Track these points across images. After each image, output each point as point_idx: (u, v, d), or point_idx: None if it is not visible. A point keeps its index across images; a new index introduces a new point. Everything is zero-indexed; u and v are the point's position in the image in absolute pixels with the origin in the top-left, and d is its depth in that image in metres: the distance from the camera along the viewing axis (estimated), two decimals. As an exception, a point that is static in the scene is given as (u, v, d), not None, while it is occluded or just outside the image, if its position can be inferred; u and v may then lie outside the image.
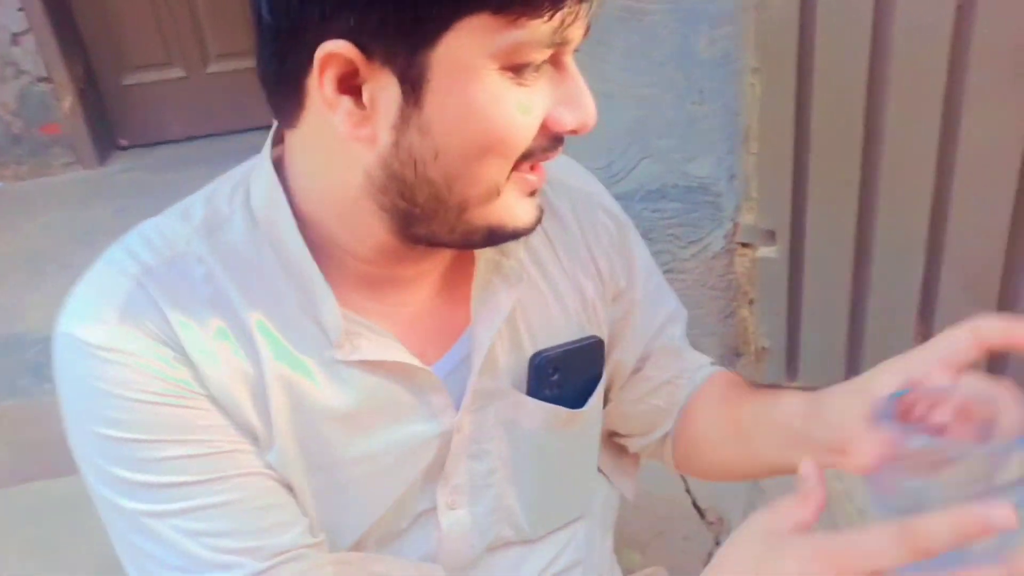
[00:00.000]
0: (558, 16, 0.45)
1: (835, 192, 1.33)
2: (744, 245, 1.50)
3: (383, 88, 0.46)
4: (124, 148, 3.07)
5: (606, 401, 0.71)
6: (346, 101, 0.47)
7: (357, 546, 0.59)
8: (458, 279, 0.60)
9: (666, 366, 0.71)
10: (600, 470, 0.74)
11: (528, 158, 0.50)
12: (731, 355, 1.60)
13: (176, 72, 2.99)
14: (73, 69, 2.81)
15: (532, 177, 0.52)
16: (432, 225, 0.52)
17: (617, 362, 0.69)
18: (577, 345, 0.64)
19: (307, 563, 0.55)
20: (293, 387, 0.54)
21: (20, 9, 2.68)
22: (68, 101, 2.82)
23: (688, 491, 1.31)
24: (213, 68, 2.98)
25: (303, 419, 0.55)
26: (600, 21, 1.49)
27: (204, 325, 0.52)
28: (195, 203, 0.57)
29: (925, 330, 1.36)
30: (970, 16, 1.14)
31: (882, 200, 1.30)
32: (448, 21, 0.44)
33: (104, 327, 0.52)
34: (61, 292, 0.61)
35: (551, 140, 0.51)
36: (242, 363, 0.53)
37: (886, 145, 1.26)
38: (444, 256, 0.59)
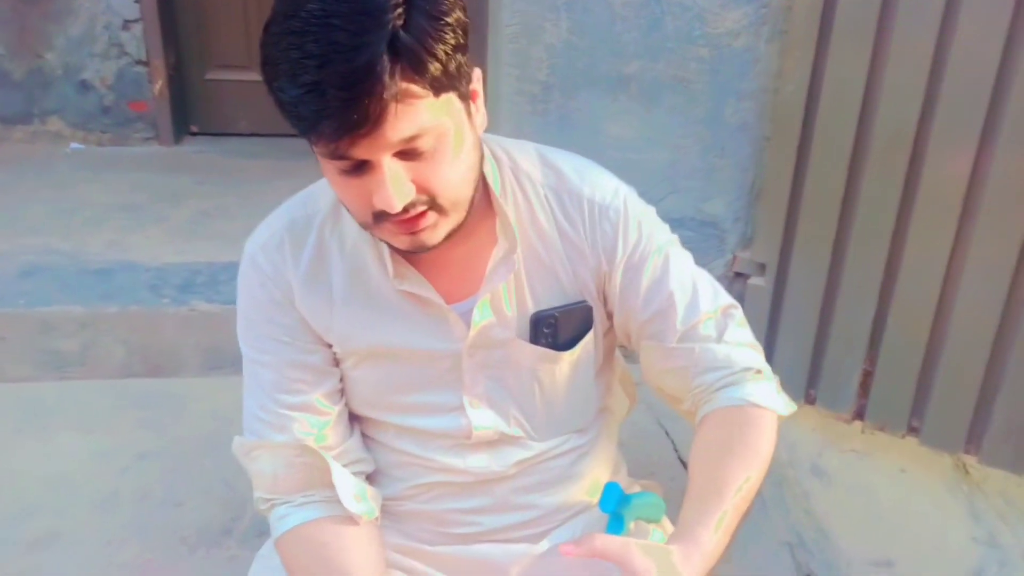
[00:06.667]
0: (323, 147, 0.68)
1: (816, 240, 1.71)
2: (737, 275, 1.87)
3: None
4: (194, 134, 3.41)
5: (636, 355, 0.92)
6: None
7: (393, 408, 0.89)
8: (484, 250, 0.84)
9: (661, 356, 0.87)
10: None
11: (383, 218, 0.72)
12: (717, 364, 1.95)
13: (253, 75, 3.35)
14: (167, 58, 3.17)
15: (391, 227, 0.74)
16: None
17: (620, 319, 0.90)
18: (566, 308, 0.87)
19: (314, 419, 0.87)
20: (357, 298, 0.84)
21: (136, 1, 3.05)
22: (158, 85, 3.17)
23: (675, 449, 1.65)
24: (287, 78, 3.35)
25: (360, 315, 0.85)
26: (654, 84, 1.91)
27: (305, 266, 0.84)
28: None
29: (872, 356, 1.73)
30: (931, 116, 1.54)
31: (851, 250, 1.68)
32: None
33: (256, 246, 0.87)
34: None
35: (384, 212, 0.71)
36: (322, 289, 0.84)
37: (859, 208, 1.65)
38: (457, 236, 0.78)
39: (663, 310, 0.86)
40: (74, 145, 3.21)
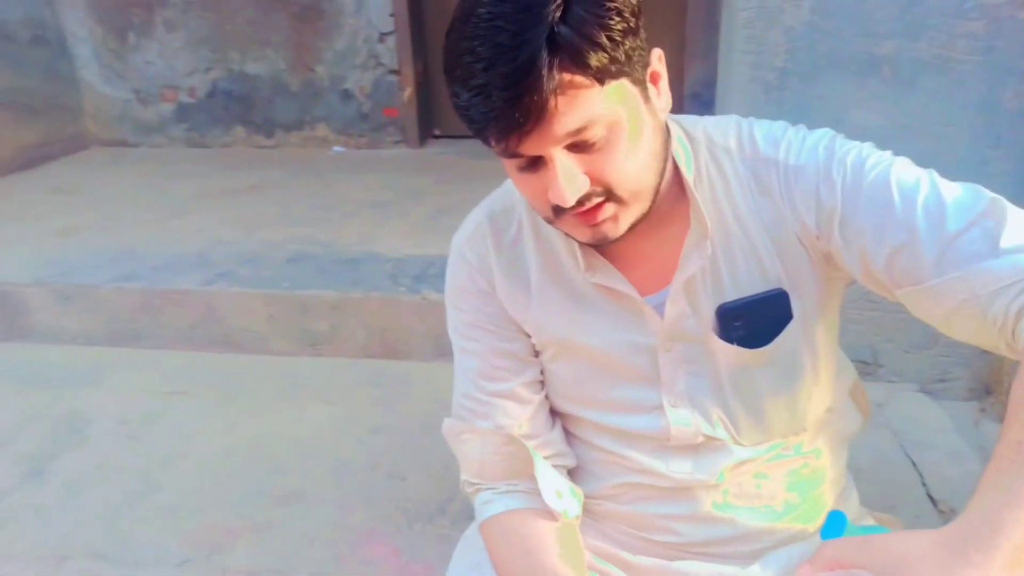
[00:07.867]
0: (496, 147, 0.69)
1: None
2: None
3: None
4: (436, 136, 3.67)
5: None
6: None
7: (590, 403, 0.87)
8: (679, 238, 0.80)
9: (931, 301, 0.70)
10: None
11: (562, 211, 0.72)
12: (982, 390, 1.69)
13: (491, 80, 3.53)
14: (416, 67, 3.44)
15: (571, 219, 0.73)
16: None
17: (863, 273, 0.76)
18: (758, 297, 0.79)
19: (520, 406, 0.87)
20: (552, 289, 0.84)
21: (391, 15, 3.35)
22: (407, 92, 3.45)
23: (923, 483, 1.44)
24: (521, 80, 3.48)
25: (554, 306, 0.84)
26: (913, 65, 1.70)
27: (506, 256, 0.86)
28: None
29: None
30: None
31: None
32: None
33: (462, 240, 0.89)
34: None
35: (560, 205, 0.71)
36: (520, 279, 0.85)
37: None
38: (648, 225, 0.77)
39: (903, 243, 0.70)
40: (336, 148, 3.60)
